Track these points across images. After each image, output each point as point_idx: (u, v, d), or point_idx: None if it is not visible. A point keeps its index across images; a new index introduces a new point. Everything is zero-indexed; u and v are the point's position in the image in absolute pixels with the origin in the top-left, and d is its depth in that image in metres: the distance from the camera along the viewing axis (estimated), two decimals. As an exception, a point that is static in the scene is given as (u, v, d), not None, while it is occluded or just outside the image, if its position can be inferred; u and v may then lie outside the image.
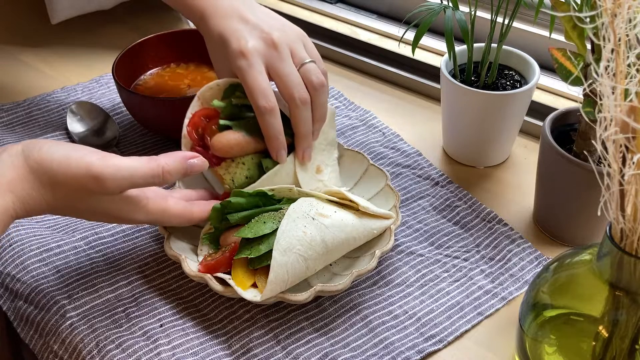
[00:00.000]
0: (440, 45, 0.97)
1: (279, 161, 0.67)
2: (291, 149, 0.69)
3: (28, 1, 1.13)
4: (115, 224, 0.72)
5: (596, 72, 0.43)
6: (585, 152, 0.65)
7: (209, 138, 0.67)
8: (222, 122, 0.68)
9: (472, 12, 0.74)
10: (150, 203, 0.61)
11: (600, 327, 0.50)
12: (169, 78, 0.86)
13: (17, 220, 0.71)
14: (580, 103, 0.59)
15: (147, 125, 0.82)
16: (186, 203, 0.63)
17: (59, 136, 0.85)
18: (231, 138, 0.67)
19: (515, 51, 0.78)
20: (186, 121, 0.68)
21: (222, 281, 0.61)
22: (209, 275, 0.61)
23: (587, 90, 0.56)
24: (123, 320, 0.63)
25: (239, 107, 0.69)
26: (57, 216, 0.74)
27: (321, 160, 0.71)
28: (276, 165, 0.67)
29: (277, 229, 0.61)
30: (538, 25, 0.90)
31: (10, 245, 0.70)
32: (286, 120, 0.68)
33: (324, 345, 0.61)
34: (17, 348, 0.81)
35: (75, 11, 1.02)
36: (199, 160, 0.62)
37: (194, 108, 0.69)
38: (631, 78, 0.42)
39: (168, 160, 0.60)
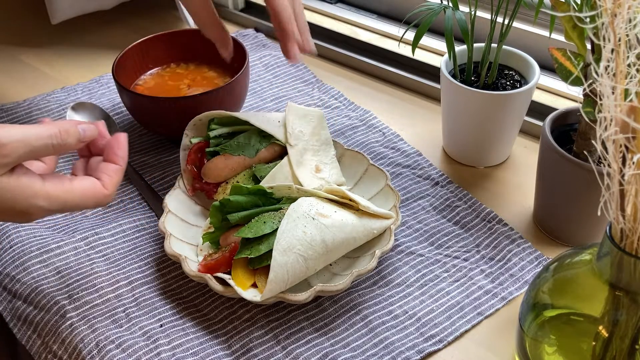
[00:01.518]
0: (440, 45, 0.97)
1: (295, 54, 0.70)
2: (283, 154, 0.71)
3: (28, 1, 1.13)
4: (114, 224, 0.72)
5: (596, 72, 0.43)
6: (585, 152, 0.65)
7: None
8: (208, 149, 0.72)
9: (472, 12, 0.74)
10: (48, 185, 0.55)
11: (600, 327, 0.50)
12: (169, 78, 0.86)
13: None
14: (580, 103, 0.59)
15: (147, 125, 0.82)
16: (93, 179, 0.58)
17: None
18: (218, 162, 0.70)
19: (515, 51, 0.78)
20: (183, 160, 0.73)
21: (222, 281, 0.61)
22: (209, 275, 0.61)
23: (587, 90, 0.56)
24: (123, 320, 0.63)
25: (218, 138, 0.73)
26: (57, 216, 0.74)
27: (318, 160, 0.72)
28: (270, 170, 0.69)
29: (277, 229, 0.61)
30: (538, 25, 0.90)
31: (10, 247, 0.70)
32: (268, 135, 0.72)
33: (324, 345, 0.61)
34: (14, 349, 0.81)
35: (75, 11, 1.02)
36: (87, 126, 0.58)
37: (184, 144, 0.73)
38: (631, 78, 0.42)
39: (64, 123, 0.57)
